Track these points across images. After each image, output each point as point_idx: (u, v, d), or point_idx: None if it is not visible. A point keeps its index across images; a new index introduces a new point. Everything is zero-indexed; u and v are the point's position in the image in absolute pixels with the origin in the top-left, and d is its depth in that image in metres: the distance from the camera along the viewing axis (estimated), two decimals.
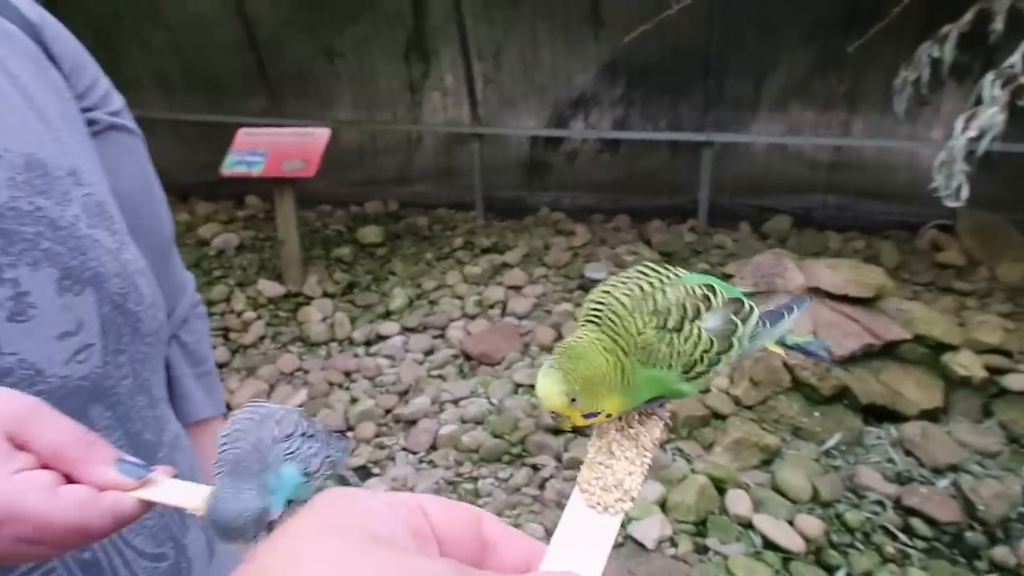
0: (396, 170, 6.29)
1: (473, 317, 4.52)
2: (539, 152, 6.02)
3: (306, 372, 4.18)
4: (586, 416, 0.59)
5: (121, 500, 0.54)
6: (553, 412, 0.60)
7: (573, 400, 0.58)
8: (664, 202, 5.73)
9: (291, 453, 0.61)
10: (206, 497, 0.57)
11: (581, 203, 5.97)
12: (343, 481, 0.73)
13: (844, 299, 3.69)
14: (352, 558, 0.29)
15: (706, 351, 0.58)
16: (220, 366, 4.31)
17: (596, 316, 0.58)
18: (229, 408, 1.10)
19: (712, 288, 0.61)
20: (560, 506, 3.02)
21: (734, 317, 0.61)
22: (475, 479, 3.25)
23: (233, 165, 4.70)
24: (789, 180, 5.50)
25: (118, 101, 0.90)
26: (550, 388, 0.58)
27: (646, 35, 5.16)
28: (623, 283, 0.60)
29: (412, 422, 3.63)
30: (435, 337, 4.37)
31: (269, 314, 4.72)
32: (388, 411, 3.76)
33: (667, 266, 0.62)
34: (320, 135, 4.79)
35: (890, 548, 2.77)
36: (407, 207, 6.17)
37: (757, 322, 0.63)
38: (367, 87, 5.99)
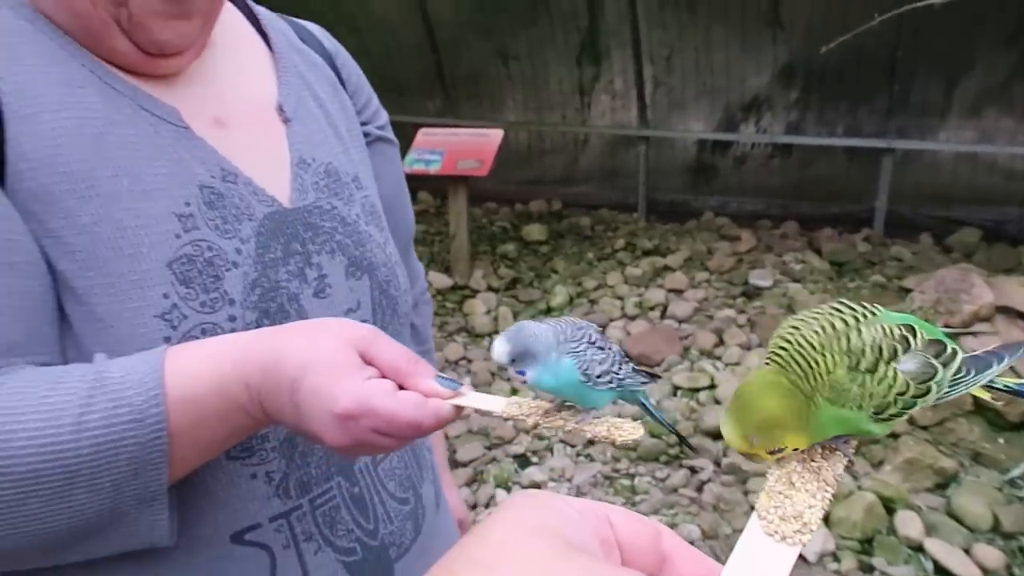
0: (561, 170, 6.42)
1: (633, 318, 4.56)
2: (706, 155, 5.96)
3: (470, 361, 4.38)
4: (771, 452, 0.60)
5: (441, 405, 0.67)
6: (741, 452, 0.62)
7: (752, 441, 0.58)
8: (837, 210, 5.52)
9: (575, 352, 0.71)
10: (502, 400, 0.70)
11: (747, 208, 5.85)
12: (645, 408, 0.81)
13: None
14: (552, 560, 0.31)
15: (901, 394, 0.56)
16: None
17: (779, 356, 0.58)
18: None
19: (912, 329, 0.59)
20: (717, 509, 3.02)
21: (934, 361, 0.58)
22: (632, 476, 3.30)
23: (413, 163, 4.99)
24: (979, 191, 5.14)
25: (384, 116, 1.06)
26: (728, 434, 0.59)
27: (827, 37, 4.98)
28: (815, 319, 0.59)
29: None
30: None
31: (437, 304, 4.98)
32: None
33: (864, 304, 0.60)
34: (494, 136, 4.99)
35: None
36: (570, 207, 6.29)
37: (960, 367, 0.59)
38: (538, 89, 6.15)
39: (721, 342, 4.16)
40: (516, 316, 4.72)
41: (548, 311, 4.76)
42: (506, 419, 0.70)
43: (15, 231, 0.65)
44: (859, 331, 0.57)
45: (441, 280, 5.16)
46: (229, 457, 0.76)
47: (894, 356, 0.56)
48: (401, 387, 0.67)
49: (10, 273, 0.65)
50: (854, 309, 0.59)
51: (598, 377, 0.72)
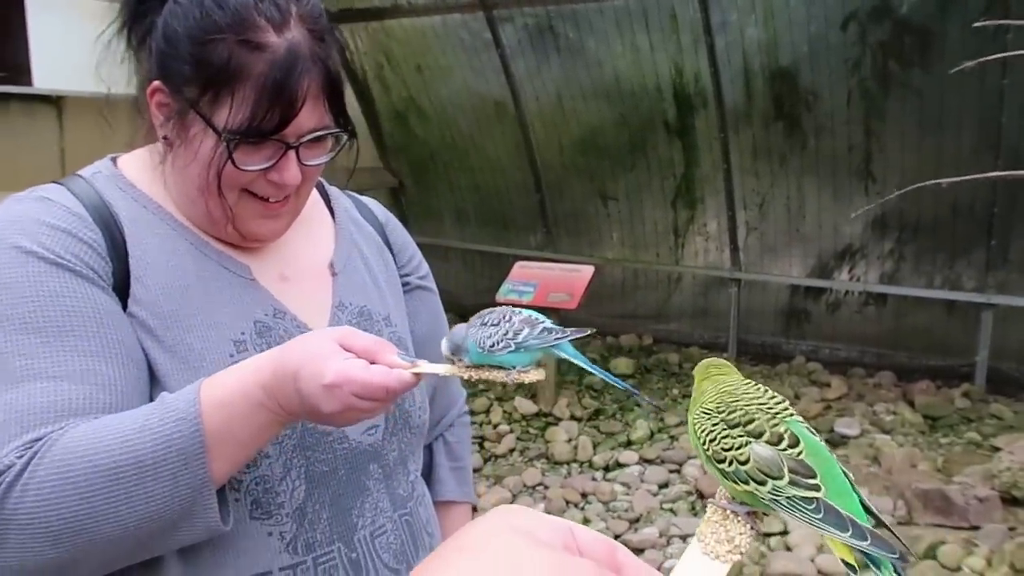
0: (654, 307, 6.58)
1: None
2: (799, 300, 6.00)
3: (546, 487, 4.46)
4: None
5: (404, 373, 0.89)
6: None
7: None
8: (934, 362, 5.39)
9: (471, 333, 0.97)
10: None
11: (840, 355, 5.80)
12: (578, 361, 1.00)
13: None
14: (524, 549, 0.40)
15: (742, 462, 0.68)
16: (473, 471, 4.74)
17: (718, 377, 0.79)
18: (475, 510, 1.41)
19: (796, 440, 0.69)
20: None
21: (785, 468, 0.67)
22: None
23: (507, 293, 5.30)
24: None
25: (425, 269, 1.34)
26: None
27: (923, 191, 5.04)
28: (755, 385, 0.76)
29: (639, 550, 3.74)
30: (671, 471, 4.46)
31: (520, 429, 5.13)
32: (617, 536, 3.90)
33: (786, 402, 0.74)
34: (585, 271, 5.26)
35: None
36: (660, 343, 6.40)
37: (814, 501, 0.66)
38: (634, 228, 6.44)
39: None
40: (596, 447, 4.80)
41: (628, 443, 4.82)
42: (447, 376, 0.96)
43: (135, 343, 0.96)
44: (754, 406, 0.72)
45: (526, 406, 5.32)
46: (252, 517, 0.98)
47: (759, 436, 0.69)
48: (373, 363, 0.89)
49: (134, 366, 0.94)
50: (775, 396, 0.75)
51: (491, 347, 0.94)
